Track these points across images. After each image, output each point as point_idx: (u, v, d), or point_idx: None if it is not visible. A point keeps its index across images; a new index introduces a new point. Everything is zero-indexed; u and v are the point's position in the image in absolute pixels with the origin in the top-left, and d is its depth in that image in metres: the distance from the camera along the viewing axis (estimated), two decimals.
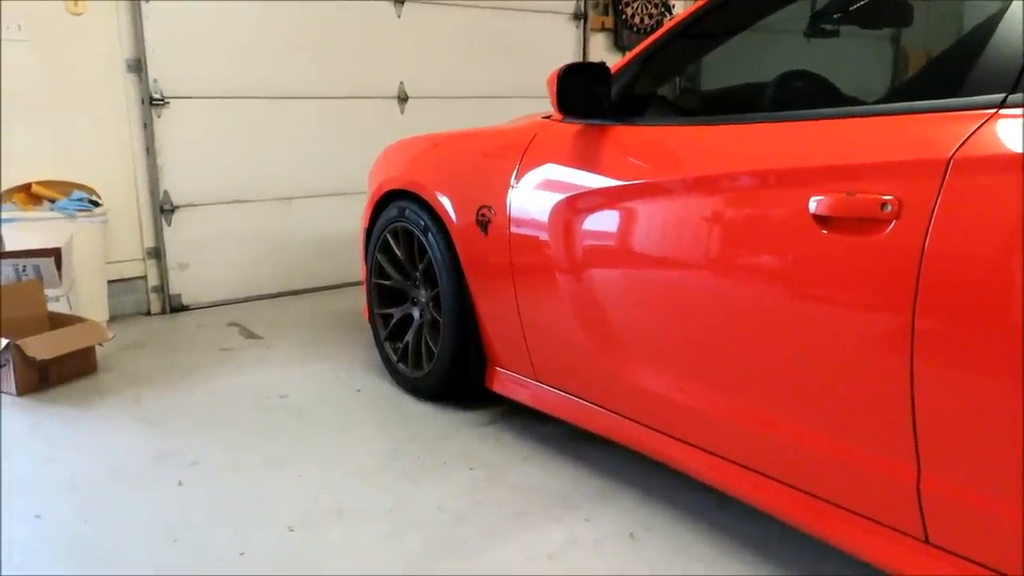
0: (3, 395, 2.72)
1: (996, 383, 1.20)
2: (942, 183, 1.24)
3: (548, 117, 2.20)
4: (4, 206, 3.29)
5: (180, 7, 3.63)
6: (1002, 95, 1.24)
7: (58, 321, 2.97)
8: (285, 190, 4.11)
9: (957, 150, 1.23)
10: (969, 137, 1.23)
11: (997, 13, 1.36)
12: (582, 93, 1.91)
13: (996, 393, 1.21)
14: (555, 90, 1.90)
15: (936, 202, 1.24)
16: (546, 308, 2.10)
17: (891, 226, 1.30)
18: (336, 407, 2.63)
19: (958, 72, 1.40)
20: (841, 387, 1.44)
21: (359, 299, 3.11)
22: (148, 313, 3.81)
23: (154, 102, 3.63)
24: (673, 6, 5.43)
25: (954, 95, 1.34)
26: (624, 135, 1.90)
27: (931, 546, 1.35)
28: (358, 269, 3.03)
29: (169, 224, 3.79)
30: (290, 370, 2.98)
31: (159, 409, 2.61)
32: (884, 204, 1.30)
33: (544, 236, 2.04)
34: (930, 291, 1.26)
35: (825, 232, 1.40)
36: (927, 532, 1.35)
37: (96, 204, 3.45)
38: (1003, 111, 1.22)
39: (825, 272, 1.42)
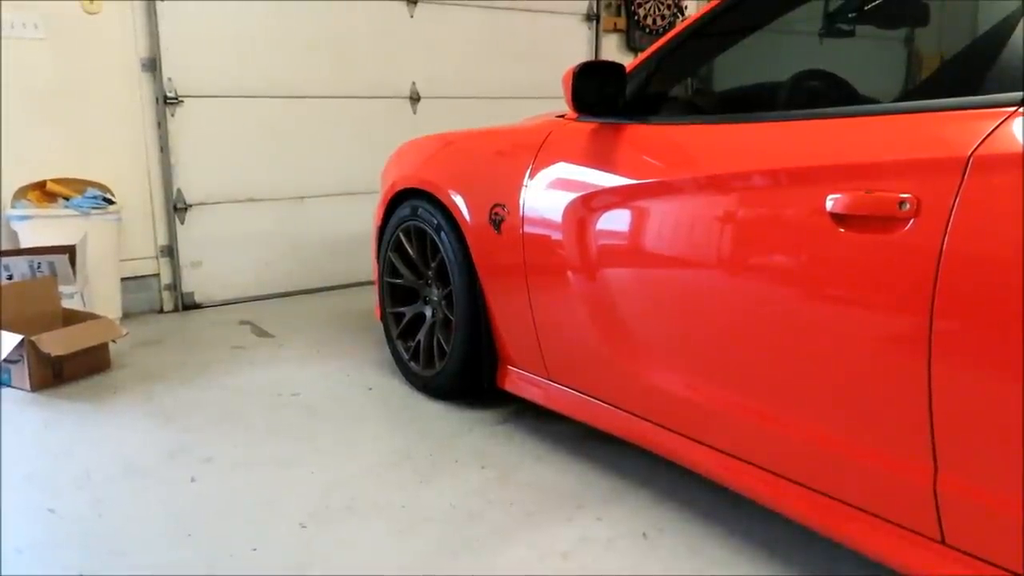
0: (17, 391, 2.74)
1: (1014, 383, 1.19)
2: (961, 181, 1.23)
3: (562, 116, 2.20)
4: (19, 203, 3.32)
5: (195, 7, 3.65)
6: (1022, 93, 1.23)
7: (72, 318, 3.00)
8: (297, 189, 4.13)
9: (976, 148, 1.22)
10: (988, 135, 1.22)
11: (1016, 11, 1.35)
12: (597, 92, 1.90)
13: (1014, 393, 1.19)
14: (570, 88, 1.90)
15: (955, 200, 1.23)
16: (559, 307, 2.10)
17: (909, 224, 1.29)
18: (348, 405, 2.63)
19: (977, 70, 1.40)
20: (858, 387, 1.43)
21: (371, 298, 3.12)
22: (161, 311, 3.83)
23: (168, 101, 3.65)
24: (685, 7, 5.43)
25: (973, 93, 1.33)
26: (639, 134, 1.90)
27: (947, 547, 1.34)
28: (370, 268, 3.04)
29: (182, 222, 3.81)
30: (302, 368, 2.99)
31: (172, 405, 2.62)
32: (902, 202, 1.30)
33: (558, 235, 2.04)
34: (948, 290, 1.25)
35: (842, 231, 1.39)
36: (943, 533, 1.34)
37: (110, 202, 3.48)
38: (1023, 109, 1.21)
39: (842, 271, 1.42)
